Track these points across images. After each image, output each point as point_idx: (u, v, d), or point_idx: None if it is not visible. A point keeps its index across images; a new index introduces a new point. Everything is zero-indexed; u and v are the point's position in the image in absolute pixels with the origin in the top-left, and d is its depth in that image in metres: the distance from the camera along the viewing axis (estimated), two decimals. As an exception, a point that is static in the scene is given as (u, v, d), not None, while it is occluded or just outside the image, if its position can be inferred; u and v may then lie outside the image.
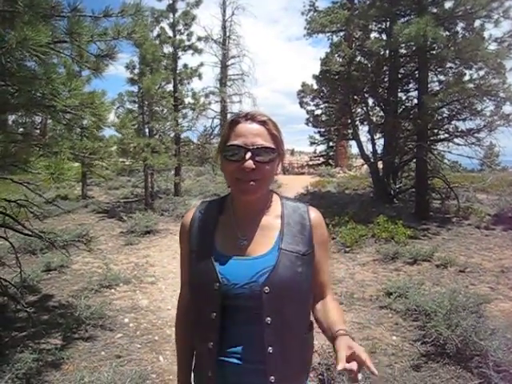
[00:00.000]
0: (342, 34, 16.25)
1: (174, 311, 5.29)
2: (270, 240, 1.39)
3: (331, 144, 33.28)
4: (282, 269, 1.32)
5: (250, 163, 1.31)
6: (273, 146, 1.36)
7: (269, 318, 1.31)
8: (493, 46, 10.13)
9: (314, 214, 1.46)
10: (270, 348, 1.31)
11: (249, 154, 1.31)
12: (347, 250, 7.94)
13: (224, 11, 28.42)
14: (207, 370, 1.38)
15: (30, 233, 4.05)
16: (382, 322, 4.79)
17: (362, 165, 15.94)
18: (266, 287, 1.31)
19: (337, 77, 13.30)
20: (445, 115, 11.74)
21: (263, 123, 1.37)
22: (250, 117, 1.38)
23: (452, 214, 10.67)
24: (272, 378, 1.32)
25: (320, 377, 3.51)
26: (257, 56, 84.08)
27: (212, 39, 26.81)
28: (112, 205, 13.17)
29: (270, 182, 1.41)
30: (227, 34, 28.53)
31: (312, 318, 1.48)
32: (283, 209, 1.45)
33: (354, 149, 29.48)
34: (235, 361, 1.33)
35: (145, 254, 7.95)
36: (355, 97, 13.70)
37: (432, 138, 11.82)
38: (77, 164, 8.94)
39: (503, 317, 4.77)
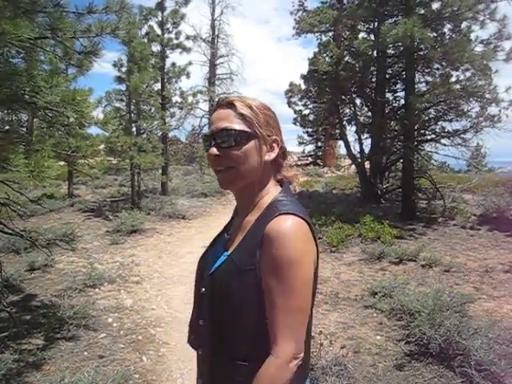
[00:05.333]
0: (330, 34, 16.30)
1: (159, 311, 5.25)
2: (237, 241, 1.26)
3: (319, 144, 33.36)
4: (219, 276, 1.23)
5: (211, 150, 1.23)
6: (237, 127, 1.21)
7: (201, 320, 1.30)
8: (479, 48, 10.21)
9: (274, 225, 1.13)
10: (199, 349, 1.34)
11: (213, 141, 1.23)
12: (333, 249, 7.95)
13: (213, 10, 28.27)
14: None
15: (11, 232, 3.99)
16: (366, 321, 4.80)
17: (350, 165, 15.96)
18: (203, 288, 1.29)
19: (324, 77, 13.31)
20: (431, 116, 11.82)
21: (230, 105, 1.25)
22: (220, 103, 1.28)
23: (438, 214, 10.75)
24: (200, 380, 1.34)
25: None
26: (246, 56, 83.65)
27: (201, 38, 26.69)
28: (98, 204, 13.05)
29: (251, 171, 1.24)
30: (216, 32, 28.40)
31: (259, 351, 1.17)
32: (265, 209, 1.23)
33: (342, 149, 29.54)
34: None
35: (130, 253, 7.88)
36: (343, 97, 13.74)
37: (419, 139, 11.90)
38: (61, 163, 8.86)
39: (486, 316, 4.81)
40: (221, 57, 28.44)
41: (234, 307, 1.18)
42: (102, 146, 12.89)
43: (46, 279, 6.15)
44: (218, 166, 1.24)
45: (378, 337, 4.39)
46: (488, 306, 5.25)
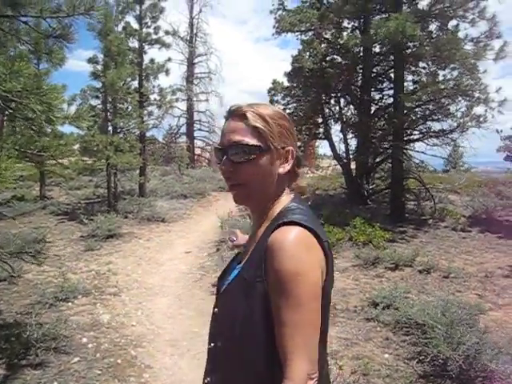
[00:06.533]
0: (310, 33, 15.94)
1: (139, 328, 4.63)
2: (248, 253, 1.20)
3: (299, 144, 33.17)
4: (229, 291, 1.20)
5: (224, 165, 1.18)
6: (250, 142, 1.14)
7: (212, 344, 1.22)
8: (469, 46, 10.00)
9: (276, 236, 1.07)
10: (207, 378, 1.23)
11: (224, 156, 1.18)
12: (324, 254, 7.52)
13: (191, 8, 27.70)
14: None
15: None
16: (370, 336, 4.37)
17: (329, 166, 15.64)
18: (216, 308, 1.24)
19: (309, 74, 12.92)
20: (418, 116, 11.54)
21: (242, 116, 1.17)
22: (230, 113, 1.21)
23: (428, 216, 10.47)
24: None
25: None
26: (224, 55, 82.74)
27: (179, 36, 26.07)
28: (72, 206, 12.35)
29: (265, 185, 1.19)
30: (194, 31, 27.85)
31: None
32: (273, 219, 1.18)
33: (321, 149, 29.29)
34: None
35: (107, 260, 7.30)
36: (327, 96, 13.38)
37: (405, 139, 11.59)
38: (29, 164, 8.20)
39: (497, 327, 4.49)
40: (199, 55, 27.94)
41: (242, 322, 1.10)
42: (76, 146, 12.22)
43: (12, 292, 5.54)
44: (230, 181, 1.20)
45: (386, 355, 3.97)
46: (496, 315, 4.92)
